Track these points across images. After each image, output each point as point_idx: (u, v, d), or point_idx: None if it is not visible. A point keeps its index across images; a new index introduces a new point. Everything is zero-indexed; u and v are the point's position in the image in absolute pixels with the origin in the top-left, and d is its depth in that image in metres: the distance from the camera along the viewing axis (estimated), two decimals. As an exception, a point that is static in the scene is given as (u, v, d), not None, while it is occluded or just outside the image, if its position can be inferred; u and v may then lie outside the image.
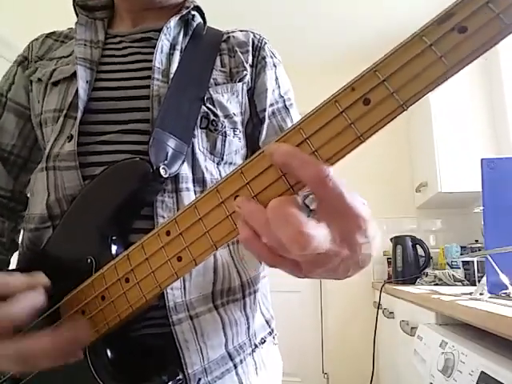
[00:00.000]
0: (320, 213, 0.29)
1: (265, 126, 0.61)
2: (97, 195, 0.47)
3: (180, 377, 0.42)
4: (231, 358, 0.51)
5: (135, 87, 0.55)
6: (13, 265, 0.59)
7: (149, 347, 0.47)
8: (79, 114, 0.52)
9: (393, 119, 0.29)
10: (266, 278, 0.63)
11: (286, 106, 0.63)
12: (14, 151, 0.63)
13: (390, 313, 1.76)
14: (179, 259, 0.36)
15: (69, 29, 0.69)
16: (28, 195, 0.66)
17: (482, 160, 1.03)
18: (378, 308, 1.94)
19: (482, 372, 0.67)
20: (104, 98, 0.55)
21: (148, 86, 0.54)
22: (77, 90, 0.54)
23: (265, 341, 0.58)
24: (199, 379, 0.47)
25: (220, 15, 2.37)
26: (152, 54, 0.56)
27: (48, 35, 0.67)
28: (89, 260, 0.45)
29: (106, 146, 0.52)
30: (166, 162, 0.48)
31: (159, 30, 0.59)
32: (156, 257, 0.38)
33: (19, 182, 0.64)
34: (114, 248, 0.45)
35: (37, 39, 0.67)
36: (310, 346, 2.65)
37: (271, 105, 0.62)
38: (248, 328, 0.55)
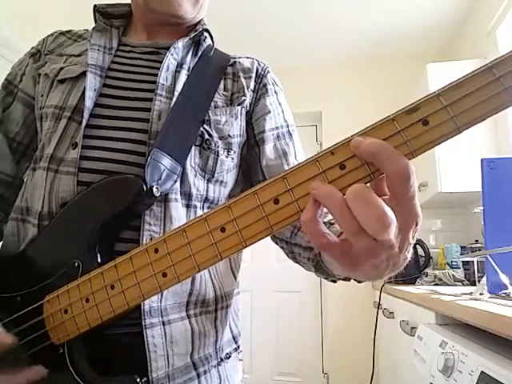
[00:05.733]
0: (392, 205, 0.30)
1: (267, 147, 0.62)
2: (90, 204, 0.49)
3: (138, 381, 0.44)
4: (195, 367, 0.53)
5: (138, 99, 0.57)
6: None
7: (119, 347, 0.49)
8: (84, 122, 0.54)
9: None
10: (239, 294, 0.65)
11: (289, 131, 0.66)
12: (16, 138, 0.65)
13: (390, 313, 1.76)
14: (164, 275, 0.40)
15: (84, 30, 0.71)
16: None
17: (481, 160, 1.03)
18: (378, 308, 1.94)
19: (482, 372, 0.67)
20: (108, 105, 0.57)
21: (150, 99, 0.56)
22: (82, 94, 0.56)
23: (230, 356, 0.60)
24: None
25: (219, 18, 2.37)
26: (159, 68, 0.58)
27: (63, 32, 0.70)
28: (76, 263, 0.47)
29: (103, 153, 0.53)
30: (159, 181, 0.50)
31: (169, 49, 0.61)
32: (143, 270, 0.41)
33: (20, 168, 0.67)
34: (100, 254, 0.48)
35: (52, 34, 0.69)
36: (310, 346, 2.66)
37: (276, 128, 0.64)
38: (215, 341, 0.57)
